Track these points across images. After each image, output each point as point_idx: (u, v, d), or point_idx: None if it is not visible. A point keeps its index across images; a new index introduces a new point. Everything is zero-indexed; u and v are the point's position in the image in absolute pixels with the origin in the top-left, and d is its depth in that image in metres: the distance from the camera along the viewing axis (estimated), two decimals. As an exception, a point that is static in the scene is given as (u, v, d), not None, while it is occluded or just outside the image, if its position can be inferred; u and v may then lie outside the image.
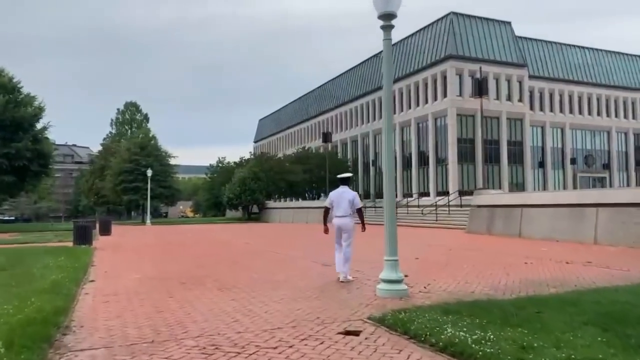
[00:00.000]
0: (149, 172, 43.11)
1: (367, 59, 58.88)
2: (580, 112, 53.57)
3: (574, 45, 55.52)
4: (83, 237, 16.21)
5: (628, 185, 54.64)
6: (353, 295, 6.83)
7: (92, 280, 8.79)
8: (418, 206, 31.69)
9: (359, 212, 8.23)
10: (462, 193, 43.70)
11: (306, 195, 54.09)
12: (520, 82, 47.28)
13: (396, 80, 51.05)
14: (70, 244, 16.23)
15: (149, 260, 12.45)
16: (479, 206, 20.00)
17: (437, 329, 4.47)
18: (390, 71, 6.94)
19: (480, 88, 22.86)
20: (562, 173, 52.73)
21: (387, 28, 6.73)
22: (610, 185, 54.08)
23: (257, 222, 41.50)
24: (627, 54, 58.20)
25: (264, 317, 5.57)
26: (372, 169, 55.40)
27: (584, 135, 54.56)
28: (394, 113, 51.45)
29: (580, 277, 8.10)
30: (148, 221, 43.53)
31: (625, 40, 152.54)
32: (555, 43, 54.52)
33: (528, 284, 7.52)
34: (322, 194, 56.42)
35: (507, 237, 17.50)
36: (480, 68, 26.16)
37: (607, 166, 55.64)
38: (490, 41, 46.77)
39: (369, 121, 56.02)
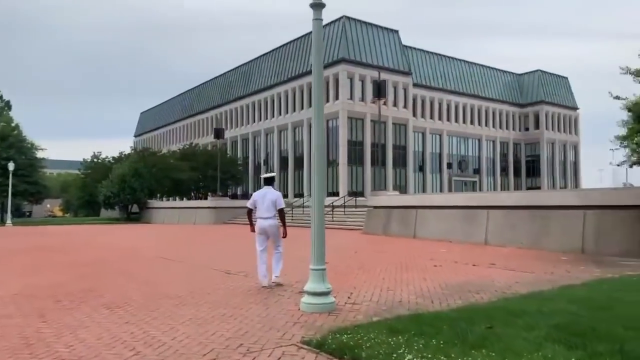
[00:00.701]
0: (11, 166, 37.90)
1: (258, 57, 57.90)
2: (456, 120, 57.74)
3: (452, 57, 59.68)
4: None
5: (494, 189, 60.11)
6: (273, 311, 5.96)
7: None
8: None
9: (281, 213, 7.76)
10: (351, 194, 44.70)
11: (192, 194, 51.57)
12: (405, 89, 49.56)
13: (289, 80, 50.81)
14: None
15: (10, 271, 10.37)
16: (375, 207, 20.14)
17: (394, 355, 3.81)
18: (321, 55, 6.22)
19: (379, 90, 23.09)
20: (439, 177, 56.35)
21: (318, 6, 5.99)
22: (480, 189, 59.05)
23: (138, 223, 38.41)
24: (496, 69, 64.05)
25: (173, 346, 4.49)
26: (263, 168, 54.47)
27: (458, 142, 58.89)
28: (287, 113, 51.16)
29: (495, 281, 8.04)
30: (9, 221, 38.22)
31: (496, 56, 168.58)
32: (435, 54, 58.15)
33: (451, 289, 7.25)
34: (210, 194, 54.31)
35: (403, 238, 17.74)
36: (379, 72, 26.69)
37: (477, 171, 60.68)
38: (379, 48, 48.40)
39: (260, 119, 55.05)
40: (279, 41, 53.27)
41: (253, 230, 7.87)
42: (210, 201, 34.32)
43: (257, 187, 55.66)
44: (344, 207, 25.91)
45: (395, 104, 48.68)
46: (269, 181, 7.95)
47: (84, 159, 57.18)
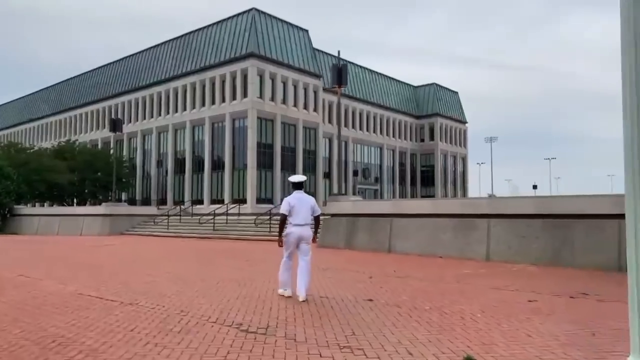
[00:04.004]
0: None
1: (150, 48, 51.85)
2: (361, 128, 57.11)
3: (358, 65, 59.05)
4: None
5: (394, 197, 60.43)
6: None
7: None
8: (238, 214, 27.34)
9: (317, 219, 7.43)
10: (259, 201, 41.11)
11: (66, 200, 43.99)
12: (315, 92, 47.44)
13: (188, 74, 45.83)
14: None
15: None
16: (334, 215, 17.11)
17: None
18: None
19: (339, 76, 20.06)
20: (345, 184, 55.00)
21: None
22: (381, 197, 58.93)
23: (1, 234, 30.80)
24: (396, 80, 64.96)
25: None
26: (156, 171, 48.50)
27: (362, 150, 58.30)
28: (184, 110, 46.09)
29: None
30: None
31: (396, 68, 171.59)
32: (343, 60, 56.92)
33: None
34: (88, 199, 46.98)
35: (375, 253, 14.96)
36: (339, 52, 23.56)
37: (378, 179, 60.64)
38: (290, 46, 45.74)
39: (152, 116, 49.17)
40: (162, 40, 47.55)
41: (281, 244, 7.18)
42: (104, 207, 28.41)
43: (146, 192, 49.42)
44: (270, 215, 22.16)
45: (305, 107, 46.29)
46: (300, 185, 7.36)
47: None
